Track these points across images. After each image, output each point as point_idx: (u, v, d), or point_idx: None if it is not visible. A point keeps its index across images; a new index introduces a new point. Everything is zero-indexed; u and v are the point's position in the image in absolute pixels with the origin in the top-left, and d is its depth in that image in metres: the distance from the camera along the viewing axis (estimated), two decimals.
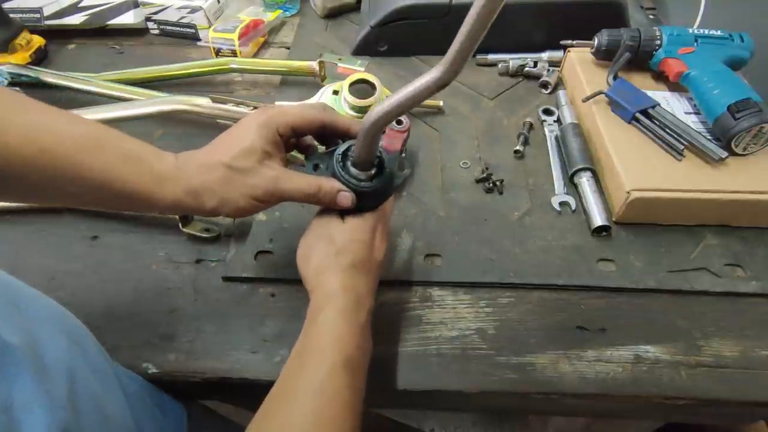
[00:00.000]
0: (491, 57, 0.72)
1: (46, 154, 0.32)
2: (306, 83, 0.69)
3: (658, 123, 0.54)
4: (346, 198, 0.38)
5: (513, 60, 0.71)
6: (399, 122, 0.53)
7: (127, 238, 0.51)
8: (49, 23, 0.75)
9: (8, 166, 0.31)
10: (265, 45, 0.78)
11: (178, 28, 0.77)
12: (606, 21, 0.64)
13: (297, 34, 0.80)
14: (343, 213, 0.40)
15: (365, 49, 0.74)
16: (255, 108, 0.58)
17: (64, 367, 0.30)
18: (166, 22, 0.77)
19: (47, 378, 0.28)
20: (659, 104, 0.56)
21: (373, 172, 0.39)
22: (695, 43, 0.59)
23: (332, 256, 0.37)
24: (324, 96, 0.63)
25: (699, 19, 0.77)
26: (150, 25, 0.79)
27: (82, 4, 0.76)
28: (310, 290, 0.38)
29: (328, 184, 0.38)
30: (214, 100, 0.57)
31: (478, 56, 0.73)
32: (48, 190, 0.34)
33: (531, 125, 0.63)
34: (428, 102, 0.65)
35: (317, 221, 0.40)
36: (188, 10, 0.75)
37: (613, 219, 0.52)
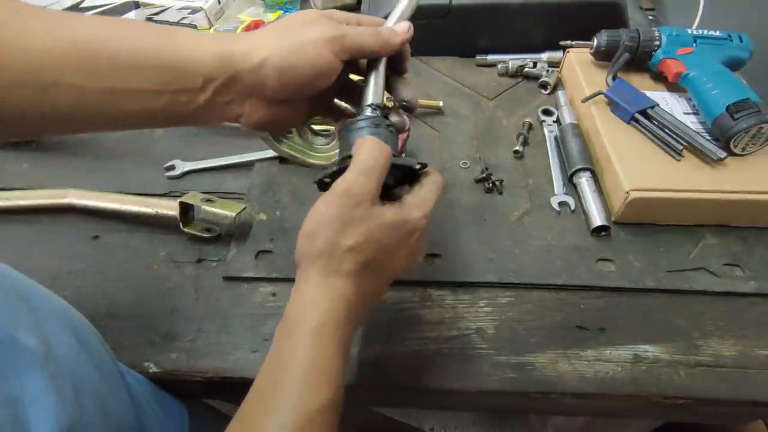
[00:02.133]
0: (491, 57, 0.72)
1: (76, 45, 0.30)
2: None
3: (657, 123, 0.55)
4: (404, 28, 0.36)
5: (512, 60, 0.71)
6: None
7: (129, 237, 0.51)
8: None
9: (41, 70, 0.29)
10: None
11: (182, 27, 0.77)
12: (605, 21, 0.64)
13: None
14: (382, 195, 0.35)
15: None
16: None
17: (71, 364, 0.30)
18: (167, 23, 0.77)
19: (55, 374, 0.29)
20: (658, 105, 0.56)
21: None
22: (694, 44, 0.59)
23: (343, 250, 0.32)
24: None
25: (698, 19, 0.78)
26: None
27: (83, 5, 0.76)
28: (299, 266, 0.33)
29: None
30: None
31: (478, 57, 0.73)
32: (85, 96, 0.31)
33: (530, 125, 0.63)
34: (428, 102, 0.65)
35: (350, 189, 0.32)
36: (189, 10, 0.75)
37: (613, 219, 0.53)
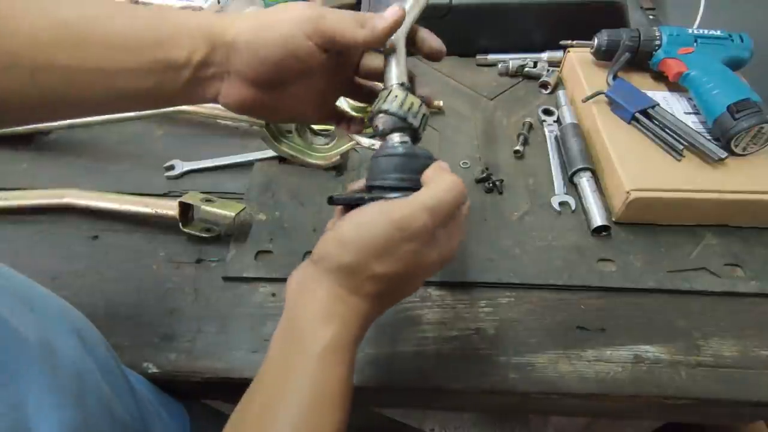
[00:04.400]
0: (491, 57, 0.72)
1: (65, 27, 0.29)
2: None
3: (657, 123, 0.54)
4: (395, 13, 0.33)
5: (513, 60, 0.71)
6: None
7: (128, 238, 0.51)
8: None
9: (30, 52, 0.29)
10: None
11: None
12: (605, 21, 0.64)
13: None
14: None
15: None
16: None
17: (74, 365, 0.30)
18: None
19: (59, 376, 0.28)
20: (659, 104, 0.56)
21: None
22: (695, 44, 0.59)
23: (369, 275, 0.30)
24: None
25: (698, 19, 0.77)
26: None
27: None
28: (316, 262, 0.31)
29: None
30: None
31: (478, 56, 0.73)
32: (76, 78, 0.30)
33: (531, 125, 0.63)
34: None
35: (409, 224, 0.30)
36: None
37: (613, 219, 0.52)
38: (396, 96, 0.34)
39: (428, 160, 0.34)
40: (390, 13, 0.34)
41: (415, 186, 0.32)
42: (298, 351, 0.30)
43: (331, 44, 0.33)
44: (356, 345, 0.32)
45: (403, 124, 0.34)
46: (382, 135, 0.35)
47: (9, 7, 0.29)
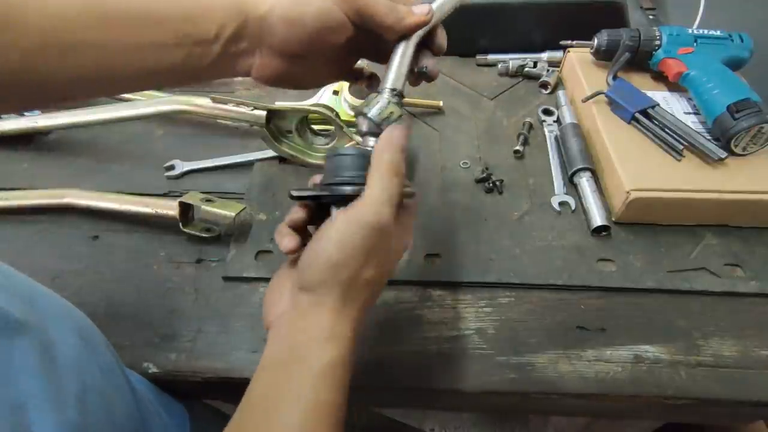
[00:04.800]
0: (491, 57, 0.72)
1: (93, 3, 0.30)
2: None
3: (657, 123, 0.54)
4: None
5: (513, 60, 0.71)
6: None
7: (128, 237, 0.51)
8: None
9: (60, 31, 0.29)
10: None
11: None
12: (605, 21, 0.64)
13: None
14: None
15: None
16: (255, 108, 0.58)
17: (75, 365, 0.30)
18: None
19: (59, 377, 0.28)
20: (659, 104, 0.56)
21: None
22: (695, 44, 0.59)
23: (363, 283, 0.31)
24: (324, 96, 0.63)
25: (698, 19, 0.78)
26: None
27: None
28: (312, 292, 0.31)
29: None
30: (214, 101, 0.57)
31: (478, 56, 0.73)
32: (107, 55, 0.30)
33: (531, 125, 0.63)
34: (428, 102, 0.65)
35: (380, 222, 0.30)
36: None
37: (613, 219, 0.52)
38: (377, 102, 0.36)
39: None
40: (420, 11, 0.35)
41: (363, 182, 0.33)
42: (299, 373, 0.29)
43: (362, 21, 0.34)
44: (354, 356, 0.32)
45: (377, 131, 0.36)
46: (360, 135, 0.37)
47: None
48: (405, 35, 0.36)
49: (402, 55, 0.37)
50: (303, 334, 0.31)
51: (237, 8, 0.32)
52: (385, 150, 0.32)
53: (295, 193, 0.35)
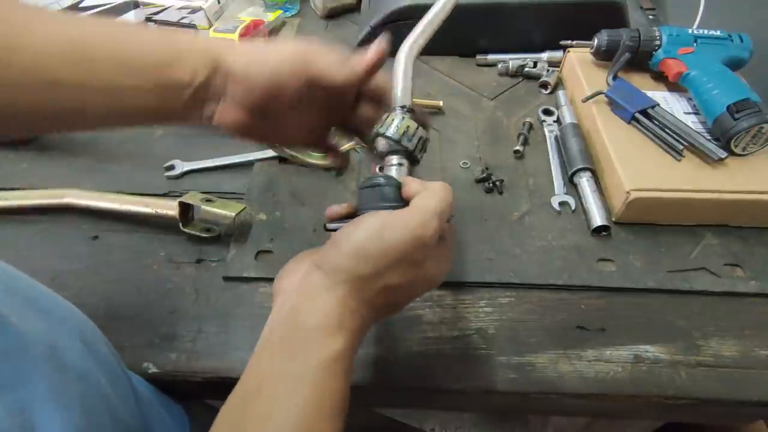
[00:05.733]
0: (491, 57, 0.72)
1: (78, 43, 0.30)
2: None
3: (657, 123, 0.54)
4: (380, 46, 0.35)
5: (513, 60, 0.71)
6: None
7: (128, 238, 0.51)
8: None
9: (45, 67, 0.29)
10: None
11: (178, 29, 0.77)
12: (605, 21, 0.64)
13: (297, 35, 0.80)
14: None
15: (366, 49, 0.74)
16: None
17: (79, 369, 0.30)
18: (167, 23, 0.77)
19: (63, 379, 0.28)
20: (659, 104, 0.56)
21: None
22: (695, 44, 0.59)
23: (382, 285, 0.30)
24: None
25: (698, 19, 0.78)
26: (150, 25, 0.79)
27: (82, 5, 0.76)
28: (326, 272, 0.31)
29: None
30: None
31: (478, 56, 0.73)
32: (86, 94, 0.31)
33: (531, 125, 0.63)
34: (428, 102, 0.65)
35: (425, 234, 0.30)
36: (189, 10, 0.75)
37: (613, 219, 0.52)
38: (392, 120, 0.36)
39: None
40: (370, 53, 0.35)
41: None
42: (301, 358, 0.29)
43: (314, 83, 0.34)
44: (356, 352, 0.32)
45: (398, 147, 0.36)
46: (380, 156, 0.37)
47: (26, 23, 0.30)
48: (365, 90, 0.37)
49: (404, 72, 0.38)
50: (307, 315, 0.30)
51: (210, 57, 0.33)
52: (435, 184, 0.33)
53: (330, 226, 0.35)
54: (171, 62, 0.32)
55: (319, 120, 0.39)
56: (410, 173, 0.37)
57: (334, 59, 0.34)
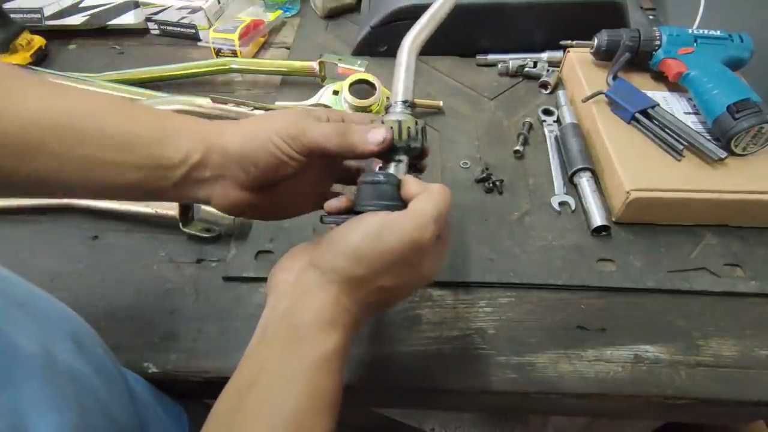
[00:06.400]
0: (491, 57, 0.72)
1: (66, 114, 0.30)
2: (306, 83, 0.69)
3: (657, 123, 0.54)
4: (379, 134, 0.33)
5: (513, 60, 0.71)
6: None
7: (128, 238, 0.51)
8: (49, 23, 0.75)
9: (29, 135, 0.29)
10: (265, 45, 0.78)
11: (178, 29, 0.77)
12: (605, 21, 0.64)
13: (297, 35, 0.80)
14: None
15: (365, 49, 0.74)
16: (255, 108, 0.58)
17: (72, 370, 0.30)
18: (167, 23, 0.77)
19: (56, 381, 0.28)
20: (659, 104, 0.56)
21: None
22: (695, 44, 0.59)
23: (376, 287, 0.31)
24: (324, 96, 0.63)
25: (698, 19, 0.78)
26: (150, 25, 0.79)
27: (82, 5, 0.76)
28: (322, 270, 0.31)
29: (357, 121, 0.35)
30: (214, 101, 0.57)
31: (478, 56, 0.73)
32: (67, 165, 0.31)
33: (531, 125, 0.63)
34: (428, 102, 0.65)
35: (423, 238, 0.30)
36: (188, 10, 0.75)
37: (613, 219, 0.52)
38: (391, 129, 0.35)
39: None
40: (374, 138, 0.33)
41: (400, 209, 0.33)
42: (296, 355, 0.29)
43: (311, 153, 0.33)
44: (350, 350, 0.32)
45: (402, 146, 0.36)
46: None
47: (17, 89, 0.30)
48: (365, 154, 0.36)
49: (406, 68, 0.37)
50: (302, 312, 0.30)
51: (202, 137, 0.33)
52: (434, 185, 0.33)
53: (327, 219, 0.34)
54: (161, 140, 0.32)
55: (318, 180, 0.39)
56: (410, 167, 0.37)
57: (333, 134, 0.33)
